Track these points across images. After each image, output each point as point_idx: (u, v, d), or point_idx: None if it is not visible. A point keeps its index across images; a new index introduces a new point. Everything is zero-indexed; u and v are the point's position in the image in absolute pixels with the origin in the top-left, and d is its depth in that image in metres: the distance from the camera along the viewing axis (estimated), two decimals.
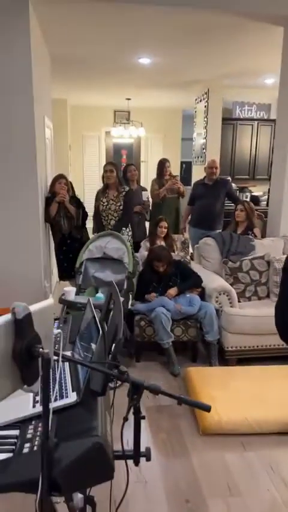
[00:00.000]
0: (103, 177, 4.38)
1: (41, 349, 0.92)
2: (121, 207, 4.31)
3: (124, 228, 4.34)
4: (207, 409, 1.10)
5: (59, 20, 3.91)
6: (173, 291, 3.36)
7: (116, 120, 9.43)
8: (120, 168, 4.95)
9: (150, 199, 5.06)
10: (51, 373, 1.05)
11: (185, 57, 5.21)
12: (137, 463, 1.20)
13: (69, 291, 3.10)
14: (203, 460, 2.31)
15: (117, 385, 2.34)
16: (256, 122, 6.84)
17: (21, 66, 3.40)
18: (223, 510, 1.97)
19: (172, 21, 3.95)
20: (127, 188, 4.39)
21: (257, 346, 3.29)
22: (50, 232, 4.44)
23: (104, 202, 4.33)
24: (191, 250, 4.71)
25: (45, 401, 0.94)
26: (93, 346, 1.25)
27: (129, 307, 3.34)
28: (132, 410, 1.12)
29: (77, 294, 3.27)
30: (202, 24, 4.01)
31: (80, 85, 7.12)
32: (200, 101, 6.85)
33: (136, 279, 3.43)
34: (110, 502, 1.54)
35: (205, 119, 6.61)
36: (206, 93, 6.49)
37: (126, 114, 9.32)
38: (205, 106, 6.56)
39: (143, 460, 1.19)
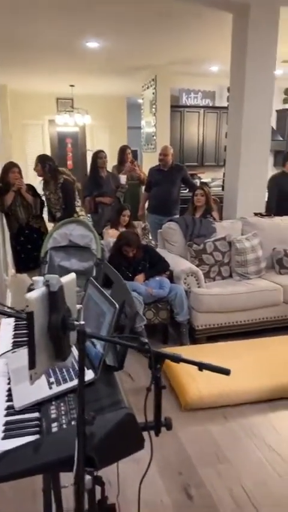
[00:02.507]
0: None
1: (75, 322, 0.89)
2: (61, 199, 4.21)
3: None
4: (227, 372, 1.14)
5: None
6: (140, 277, 3.38)
7: (59, 108, 9.18)
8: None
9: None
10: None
11: (134, 42, 5.19)
12: (157, 433, 1.21)
13: (38, 280, 3.00)
14: (189, 434, 2.37)
15: None
16: (202, 110, 7.00)
17: None
18: (215, 477, 2.05)
19: (123, 5, 3.91)
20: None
21: (225, 323, 3.42)
22: (5, 223, 4.25)
23: (47, 195, 4.26)
24: (150, 236, 4.76)
25: (81, 375, 0.91)
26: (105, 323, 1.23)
27: None
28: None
29: None
30: (153, 9, 4.01)
31: (21, 69, 6.81)
32: (148, 87, 6.86)
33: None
34: (117, 480, 1.54)
35: (153, 106, 6.64)
36: (153, 80, 6.52)
37: (70, 101, 9.09)
38: (153, 93, 6.58)
39: None
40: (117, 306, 1.15)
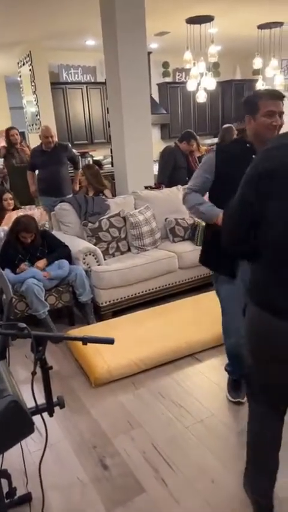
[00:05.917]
0: None
1: None
2: None
3: None
4: (111, 341, 1.17)
5: None
6: (41, 263, 3.27)
7: None
8: None
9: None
10: None
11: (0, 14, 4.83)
12: (51, 414, 1.21)
13: None
14: (101, 408, 2.43)
15: None
16: (85, 86, 6.86)
17: None
18: (129, 443, 2.14)
19: None
20: None
21: (128, 296, 3.50)
22: None
23: None
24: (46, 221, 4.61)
25: None
26: None
27: None
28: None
29: None
30: None
31: None
32: (23, 64, 6.49)
33: None
34: (24, 468, 1.52)
35: (33, 84, 6.32)
36: (28, 56, 6.18)
37: None
38: (30, 70, 6.25)
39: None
40: None
